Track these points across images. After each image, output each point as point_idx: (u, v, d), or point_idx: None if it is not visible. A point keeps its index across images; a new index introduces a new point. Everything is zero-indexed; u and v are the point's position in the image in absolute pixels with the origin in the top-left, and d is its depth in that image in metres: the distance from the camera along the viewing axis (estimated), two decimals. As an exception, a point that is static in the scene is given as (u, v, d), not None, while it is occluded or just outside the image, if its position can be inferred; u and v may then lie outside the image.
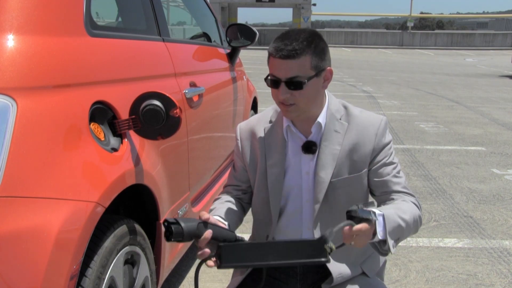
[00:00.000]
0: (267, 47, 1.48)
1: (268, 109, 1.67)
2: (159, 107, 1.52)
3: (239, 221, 1.61)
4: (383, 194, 1.55)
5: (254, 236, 1.72)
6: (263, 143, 1.60)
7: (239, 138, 1.66)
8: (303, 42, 1.42)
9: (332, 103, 1.57)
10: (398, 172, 1.56)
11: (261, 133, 1.62)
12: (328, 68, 1.49)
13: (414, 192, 1.56)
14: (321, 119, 1.54)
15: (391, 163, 1.55)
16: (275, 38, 1.48)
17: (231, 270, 1.71)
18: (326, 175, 1.53)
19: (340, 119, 1.55)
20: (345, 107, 1.58)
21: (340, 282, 1.56)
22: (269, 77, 1.47)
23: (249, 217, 1.73)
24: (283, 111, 1.50)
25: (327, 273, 1.57)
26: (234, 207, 1.61)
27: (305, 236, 1.59)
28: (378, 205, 1.59)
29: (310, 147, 1.54)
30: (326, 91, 1.56)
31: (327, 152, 1.53)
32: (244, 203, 1.68)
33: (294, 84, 1.43)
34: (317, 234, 1.57)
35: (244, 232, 1.81)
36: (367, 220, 1.29)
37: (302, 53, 1.41)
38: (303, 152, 1.55)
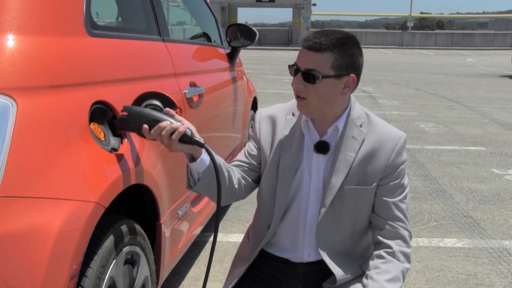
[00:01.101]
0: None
1: (293, 101, 1.64)
2: (159, 107, 1.52)
3: (233, 187, 1.56)
4: (382, 217, 1.55)
5: (255, 224, 1.72)
6: (282, 133, 1.59)
7: (258, 121, 1.66)
8: (333, 40, 1.41)
9: (354, 109, 1.55)
10: (405, 197, 1.55)
11: (281, 122, 1.61)
12: (352, 75, 1.46)
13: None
14: (340, 123, 1.53)
15: (401, 185, 1.55)
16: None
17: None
18: (337, 180, 1.52)
19: (360, 126, 1.54)
20: (367, 115, 1.57)
21: (343, 283, 1.56)
22: (294, 66, 1.48)
23: (249, 217, 1.73)
24: (297, 104, 1.51)
25: (329, 274, 1.57)
26: (236, 174, 1.58)
27: (307, 238, 1.58)
28: (372, 229, 1.59)
29: (321, 147, 1.53)
30: (352, 96, 1.55)
31: (341, 157, 1.52)
32: (245, 182, 1.62)
33: (309, 76, 1.43)
34: (319, 236, 1.57)
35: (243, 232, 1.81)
36: None
37: (327, 49, 1.41)
38: (314, 150, 1.55)
